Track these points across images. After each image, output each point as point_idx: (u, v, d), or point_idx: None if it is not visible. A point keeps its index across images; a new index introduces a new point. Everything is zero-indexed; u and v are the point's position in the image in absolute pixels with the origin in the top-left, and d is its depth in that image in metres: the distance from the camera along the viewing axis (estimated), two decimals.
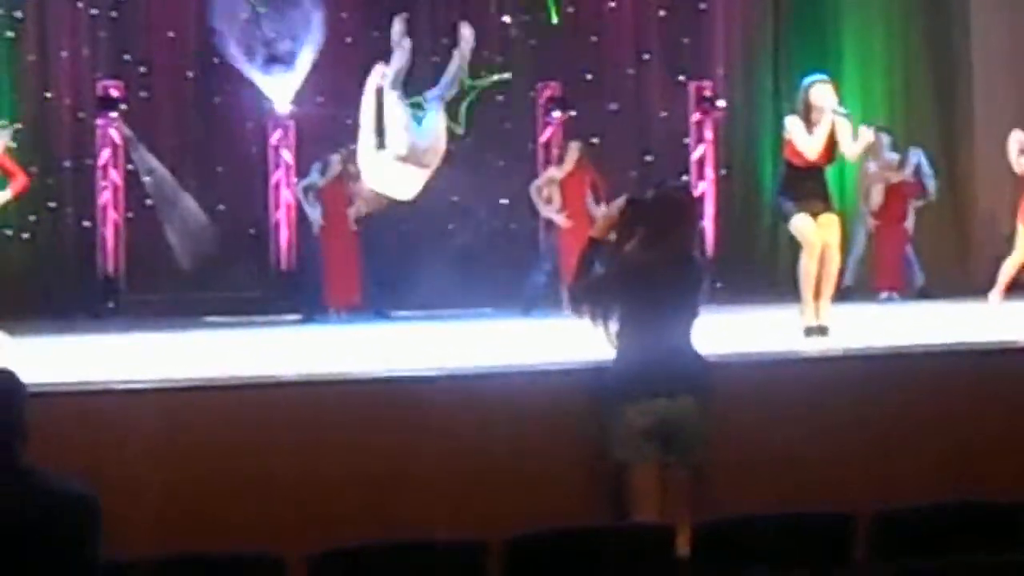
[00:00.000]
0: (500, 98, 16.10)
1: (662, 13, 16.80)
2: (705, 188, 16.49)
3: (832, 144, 9.99)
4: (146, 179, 15.29)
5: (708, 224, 16.41)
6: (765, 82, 16.90)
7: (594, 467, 7.11)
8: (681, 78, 16.72)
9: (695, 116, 16.54)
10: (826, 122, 9.93)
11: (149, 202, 15.37)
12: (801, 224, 9.95)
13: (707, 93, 16.51)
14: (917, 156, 15.86)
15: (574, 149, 14.84)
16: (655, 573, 5.14)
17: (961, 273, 15.87)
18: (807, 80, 10.27)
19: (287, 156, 15.50)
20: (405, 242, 15.25)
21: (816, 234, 9.93)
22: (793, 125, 10.02)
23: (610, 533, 5.69)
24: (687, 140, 16.61)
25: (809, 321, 9.92)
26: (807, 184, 10.02)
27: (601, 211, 14.01)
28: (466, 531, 5.82)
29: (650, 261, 6.99)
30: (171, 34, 15.56)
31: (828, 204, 10.10)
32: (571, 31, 16.38)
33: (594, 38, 16.58)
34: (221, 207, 15.54)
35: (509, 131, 16.20)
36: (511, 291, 14.32)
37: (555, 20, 15.76)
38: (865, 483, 7.28)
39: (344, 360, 9.27)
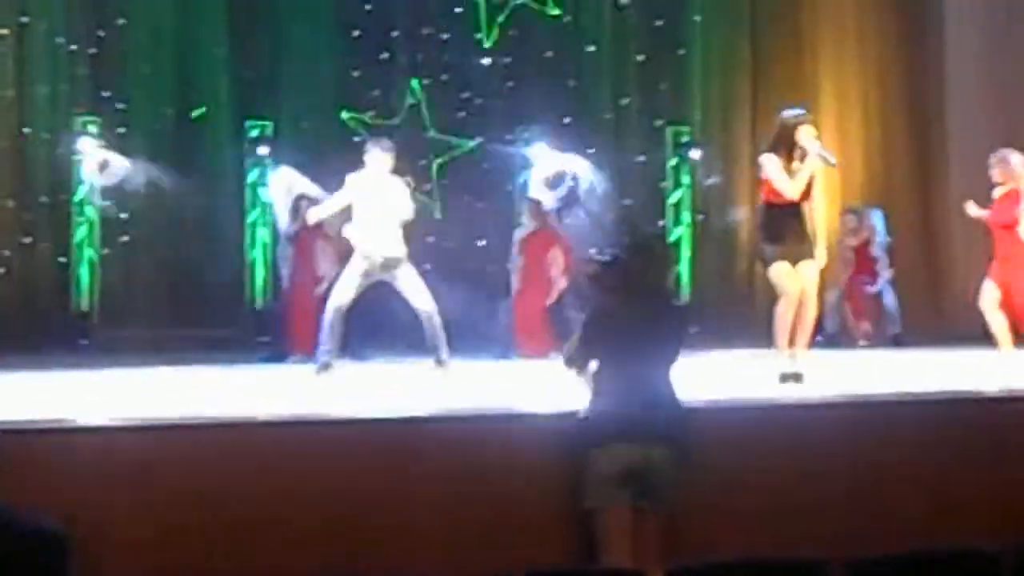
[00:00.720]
0: (480, 138, 16.19)
1: (640, 58, 16.85)
2: (681, 233, 16.53)
3: (810, 183, 9.90)
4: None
5: (684, 269, 16.46)
6: (742, 127, 16.94)
7: (567, 512, 7.10)
8: (658, 123, 16.77)
9: (672, 161, 16.60)
10: (810, 165, 9.82)
11: (125, 239, 15.31)
12: (778, 272, 9.90)
13: (684, 138, 16.58)
14: (875, 216, 15.86)
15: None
16: None
17: (936, 321, 15.92)
18: (789, 115, 10.08)
19: (264, 194, 15.48)
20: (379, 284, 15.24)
21: (795, 283, 9.86)
22: (770, 163, 9.88)
23: None
24: (664, 184, 16.65)
25: (784, 368, 9.90)
26: (786, 222, 9.89)
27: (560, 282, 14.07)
28: (440, 574, 5.80)
29: (623, 307, 7.02)
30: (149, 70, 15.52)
31: (807, 244, 9.95)
32: (549, 75, 16.44)
33: (572, 82, 16.61)
34: (196, 243, 15.49)
35: (487, 171, 16.21)
36: (484, 334, 14.25)
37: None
38: (840, 531, 7.26)
39: (319, 401, 9.21)
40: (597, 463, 6.93)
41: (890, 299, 15.52)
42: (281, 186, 15.08)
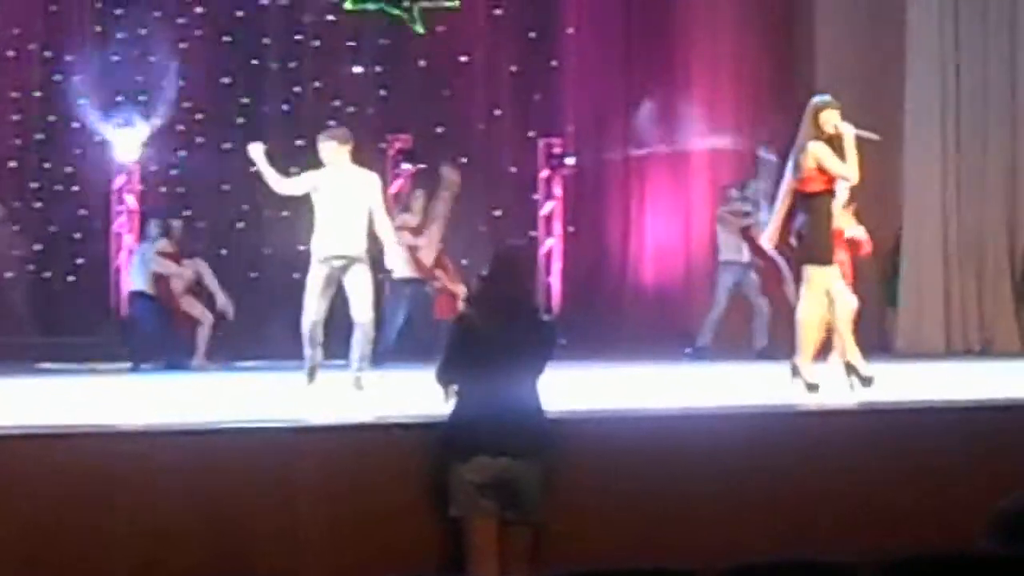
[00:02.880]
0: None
1: (514, 68, 16.88)
2: (553, 244, 16.59)
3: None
4: None
5: (555, 281, 16.50)
6: (615, 139, 17.01)
7: (438, 521, 7.10)
8: (531, 134, 16.81)
9: (544, 172, 16.65)
10: (852, 146, 9.63)
11: None
12: (827, 276, 9.73)
13: (556, 150, 16.62)
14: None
15: (420, 198, 14.73)
16: None
17: None
18: (820, 101, 9.84)
19: (131, 201, 15.30)
20: (252, 291, 15.17)
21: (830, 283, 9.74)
22: (822, 149, 9.58)
23: None
24: (536, 196, 16.69)
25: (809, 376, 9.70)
26: (827, 214, 9.75)
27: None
28: None
29: (485, 320, 7.03)
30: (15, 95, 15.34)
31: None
32: (423, 84, 16.43)
33: (446, 92, 16.60)
34: (60, 250, 15.28)
35: None
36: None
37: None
38: (711, 539, 7.32)
39: (181, 410, 9.09)
40: (461, 473, 6.95)
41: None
42: None
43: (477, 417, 6.97)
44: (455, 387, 7.10)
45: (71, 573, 6.64)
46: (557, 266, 16.59)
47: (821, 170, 9.64)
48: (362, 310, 10.49)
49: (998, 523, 5.92)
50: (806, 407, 9.24)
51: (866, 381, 9.79)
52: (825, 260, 9.71)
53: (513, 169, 16.81)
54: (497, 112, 16.84)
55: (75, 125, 15.29)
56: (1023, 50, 15.60)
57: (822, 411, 9.15)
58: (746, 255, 14.94)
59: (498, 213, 16.38)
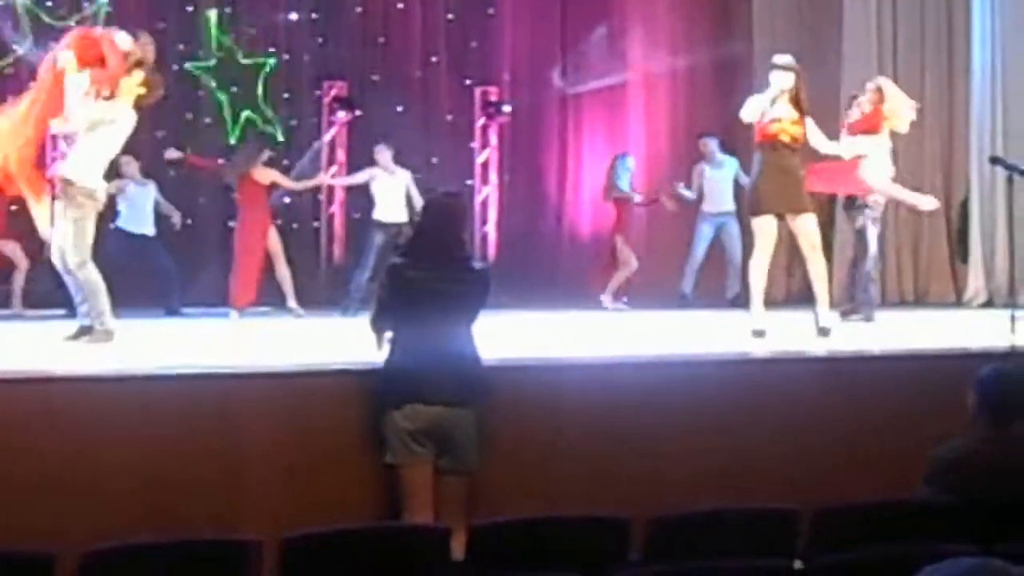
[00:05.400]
0: (286, 96, 16.02)
1: (450, 16, 16.79)
2: (489, 193, 16.55)
3: None
4: None
5: (491, 229, 16.47)
6: (551, 87, 16.96)
7: (370, 468, 7.09)
8: (468, 82, 16.75)
9: (480, 120, 16.60)
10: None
11: None
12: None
13: (493, 98, 16.57)
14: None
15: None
16: (430, 574, 5.09)
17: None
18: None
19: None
20: (195, 241, 15.07)
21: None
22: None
23: (385, 532, 5.63)
24: (473, 144, 16.64)
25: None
26: None
27: None
28: (241, 531, 5.72)
29: (417, 269, 7.02)
30: None
31: None
32: (359, 31, 16.31)
33: (381, 39, 16.49)
34: None
35: (294, 128, 16.05)
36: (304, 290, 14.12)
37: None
38: (649, 488, 7.33)
39: (123, 356, 8.99)
40: (395, 421, 6.96)
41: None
42: None
43: (411, 365, 6.97)
44: (388, 335, 7.08)
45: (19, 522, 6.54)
46: (493, 214, 16.56)
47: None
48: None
49: (931, 472, 5.96)
50: (746, 355, 9.26)
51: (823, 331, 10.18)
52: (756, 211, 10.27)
53: (449, 117, 16.74)
54: (434, 59, 16.75)
55: None
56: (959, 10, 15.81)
57: (760, 360, 9.17)
58: (731, 205, 15.04)
59: (435, 160, 16.31)
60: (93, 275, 9.21)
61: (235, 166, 13.92)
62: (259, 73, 15.87)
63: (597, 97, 16.88)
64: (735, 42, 16.60)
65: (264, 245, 13.57)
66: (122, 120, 9.33)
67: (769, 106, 10.11)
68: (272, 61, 15.93)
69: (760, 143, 10.22)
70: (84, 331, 9.31)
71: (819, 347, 9.77)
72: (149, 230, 14.04)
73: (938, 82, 15.94)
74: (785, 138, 10.14)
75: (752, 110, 10.15)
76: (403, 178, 14.03)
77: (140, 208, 14.01)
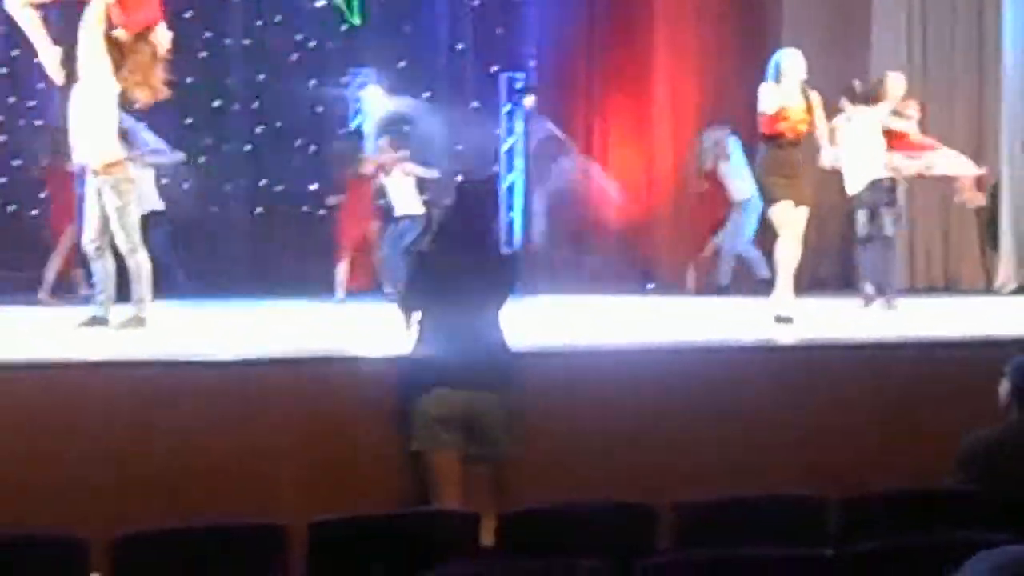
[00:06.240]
0: (313, 83, 16.01)
1: (476, 3, 16.76)
2: (515, 179, 16.51)
3: None
4: None
5: (517, 216, 16.44)
6: (577, 75, 16.91)
7: (398, 455, 7.08)
8: (493, 69, 16.71)
9: (506, 107, 16.56)
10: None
11: None
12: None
13: (519, 85, 16.53)
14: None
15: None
16: (459, 560, 5.08)
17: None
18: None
19: None
20: (215, 227, 15.07)
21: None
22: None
23: (413, 518, 5.62)
24: (498, 131, 16.60)
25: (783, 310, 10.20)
26: None
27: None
28: (268, 516, 5.72)
29: (445, 254, 7.02)
30: None
31: None
32: (385, 19, 16.29)
33: (408, 27, 16.47)
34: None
35: (320, 116, 16.05)
36: (320, 277, 14.10)
37: (356, 21, 15.69)
38: (676, 475, 7.31)
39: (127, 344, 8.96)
40: (422, 407, 6.93)
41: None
42: None
43: (439, 350, 6.95)
44: (417, 316, 7.06)
45: (28, 501, 6.55)
46: (519, 202, 16.52)
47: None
48: None
49: (961, 461, 5.93)
50: (772, 343, 9.23)
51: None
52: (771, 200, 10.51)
53: (475, 104, 16.71)
54: (460, 47, 16.72)
55: None
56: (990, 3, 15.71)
57: (787, 347, 9.14)
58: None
59: (460, 148, 16.28)
60: (144, 260, 9.18)
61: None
62: None
63: (623, 81, 16.79)
64: (764, 26, 16.49)
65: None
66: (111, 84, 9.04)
67: (783, 99, 10.36)
68: None
69: (766, 137, 10.44)
70: (97, 320, 9.25)
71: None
72: (157, 205, 13.78)
73: (968, 67, 15.84)
74: (791, 135, 10.37)
75: (771, 102, 10.36)
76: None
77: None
